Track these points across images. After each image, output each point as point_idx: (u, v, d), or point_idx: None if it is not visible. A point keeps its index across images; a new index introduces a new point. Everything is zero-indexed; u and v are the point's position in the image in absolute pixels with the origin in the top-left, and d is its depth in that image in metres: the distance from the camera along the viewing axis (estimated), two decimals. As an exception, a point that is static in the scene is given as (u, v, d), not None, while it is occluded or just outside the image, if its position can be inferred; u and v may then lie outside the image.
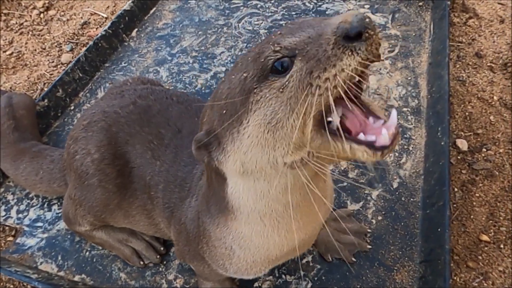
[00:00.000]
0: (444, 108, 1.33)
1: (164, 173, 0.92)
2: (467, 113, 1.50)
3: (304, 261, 1.08)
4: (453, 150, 1.40)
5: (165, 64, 1.63)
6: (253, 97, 0.61)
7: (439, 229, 1.07)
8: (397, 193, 1.22)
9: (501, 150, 1.39)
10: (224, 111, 0.64)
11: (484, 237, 1.19)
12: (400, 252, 1.10)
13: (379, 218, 1.17)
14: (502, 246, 1.17)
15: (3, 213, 1.18)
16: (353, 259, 1.08)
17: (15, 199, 1.21)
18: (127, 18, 1.75)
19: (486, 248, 1.17)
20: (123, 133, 0.94)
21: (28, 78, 1.69)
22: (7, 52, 1.83)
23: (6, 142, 1.19)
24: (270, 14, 1.83)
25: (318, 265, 1.07)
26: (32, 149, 1.18)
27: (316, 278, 1.05)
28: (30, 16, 2.01)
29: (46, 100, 1.40)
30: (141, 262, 1.06)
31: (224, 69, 1.60)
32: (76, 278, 1.06)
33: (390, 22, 1.78)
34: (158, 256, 1.06)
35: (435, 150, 1.27)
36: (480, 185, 1.31)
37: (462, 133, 1.44)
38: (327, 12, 1.82)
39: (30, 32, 1.93)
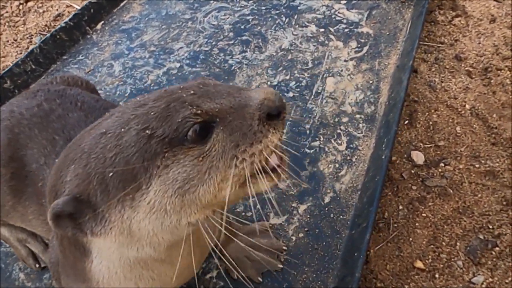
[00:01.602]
0: (394, 118, 1.20)
1: None
2: (431, 122, 1.35)
3: (207, 276, 1.01)
4: (407, 163, 1.27)
5: (121, 59, 1.60)
6: (161, 161, 0.55)
7: (356, 254, 0.97)
8: (326, 208, 1.12)
9: (461, 166, 1.24)
10: (110, 174, 0.55)
11: (419, 264, 1.07)
12: (314, 275, 1.00)
13: (301, 235, 1.07)
14: (436, 275, 1.04)
15: None
16: (260, 279, 0.99)
17: None
18: (92, 10, 1.73)
19: (417, 276, 1.04)
20: (23, 135, 0.91)
21: (-6, 69, 1.72)
22: (-19, 42, 1.87)
23: None
24: (239, 8, 1.74)
25: (221, 282, 1.00)
26: None
27: (216, 296, 0.98)
28: (11, 7, 2.04)
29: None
30: (37, 265, 1.03)
31: (178, 65, 1.54)
32: (-23, 274, 1.05)
33: (365, 19, 1.64)
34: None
35: (376, 164, 1.15)
36: (430, 204, 1.18)
37: (421, 144, 1.31)
38: (299, 8, 1.71)
39: (7, 23, 1.95)
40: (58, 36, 1.62)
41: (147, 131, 0.55)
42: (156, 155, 0.55)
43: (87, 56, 1.63)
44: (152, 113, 0.56)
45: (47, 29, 1.88)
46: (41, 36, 1.84)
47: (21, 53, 1.78)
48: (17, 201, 0.93)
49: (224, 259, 1.01)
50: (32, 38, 1.85)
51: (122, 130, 0.57)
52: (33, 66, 1.53)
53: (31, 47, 1.59)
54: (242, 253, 1.00)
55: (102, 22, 1.77)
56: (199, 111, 0.56)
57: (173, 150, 0.56)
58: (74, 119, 0.92)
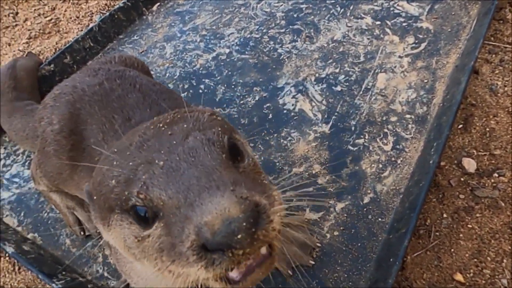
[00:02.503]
0: (448, 121, 1.13)
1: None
2: (488, 129, 1.26)
3: (238, 263, 1.02)
4: (456, 170, 1.20)
5: (173, 41, 1.63)
6: (115, 215, 0.59)
7: (391, 259, 0.94)
8: (365, 209, 1.09)
9: (517, 179, 1.16)
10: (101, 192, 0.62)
11: (459, 277, 1.01)
12: (346, 275, 0.99)
13: (336, 233, 1.06)
14: (477, 292, 0.99)
15: (-8, 165, 1.30)
16: (290, 272, 0.99)
17: (4, 154, 1.32)
18: (150, -9, 1.77)
19: (455, 290, 1.00)
20: (84, 111, 0.97)
21: (56, 44, 1.81)
22: (47, 18, 1.98)
23: (5, 100, 1.29)
24: (293, -4, 1.71)
25: (252, 271, 1.01)
26: (26, 107, 1.27)
27: (245, 283, 0.99)
28: (76, -16, 2.13)
29: (52, 65, 1.48)
30: (82, 233, 1.10)
31: (228, 51, 1.55)
32: (29, 236, 1.13)
33: (426, 13, 1.55)
34: (98, 231, 1.09)
35: (422, 169, 1.10)
36: (478, 215, 1.11)
37: (474, 151, 1.23)
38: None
39: (72, 1, 2.05)
40: (116, 16, 1.68)
41: (114, 181, 0.58)
42: (112, 209, 0.59)
43: (142, 36, 1.68)
44: (126, 165, 0.58)
45: (107, 8, 1.95)
46: (101, 14, 1.91)
47: (81, 30, 1.87)
48: (74, 171, 0.99)
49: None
50: (92, 16, 1.93)
51: (114, 163, 0.60)
52: (92, 44, 1.60)
53: (91, 25, 1.66)
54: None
55: (158, 4, 1.81)
56: (142, 196, 0.54)
57: (122, 215, 0.58)
58: (132, 100, 0.96)
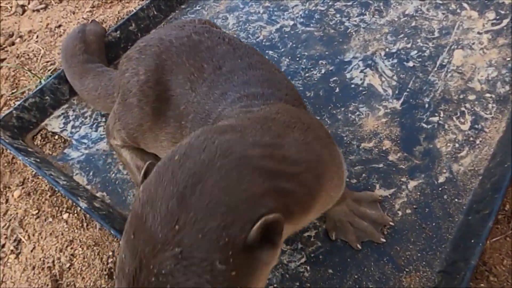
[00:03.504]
0: (537, 101, 1.05)
1: (195, 104, 0.93)
2: None
3: (305, 234, 1.01)
4: (540, 156, 1.11)
5: (235, 12, 1.60)
6: None
7: (472, 240, 0.89)
8: (440, 189, 1.04)
9: None
10: None
11: (542, 267, 0.95)
12: (419, 255, 0.95)
13: (408, 211, 1.01)
14: None
15: (62, 126, 1.34)
16: (359, 246, 0.96)
17: (73, 116, 1.36)
18: (212, -39, 1.75)
19: (538, 280, 0.93)
20: (170, 62, 0.98)
21: (118, 13, 1.84)
22: (110, -13, 2.01)
23: (76, 62, 1.33)
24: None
25: (319, 243, 0.99)
26: (97, 69, 1.30)
27: (312, 255, 0.97)
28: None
29: (118, 32, 1.50)
30: None
31: (292, 23, 1.51)
32: (98, 194, 1.16)
33: (509, -12, 1.44)
34: None
35: (504, 149, 1.03)
36: None
37: (561, 137, 1.13)
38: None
39: (135, -30, 2.07)
40: (179, -15, 1.67)
41: None
42: None
43: (204, 7, 1.66)
44: None
45: (167, -22, 1.95)
46: (162, -15, 1.91)
47: (142, 0, 1.88)
48: (155, 122, 1.01)
49: (326, 220, 1.00)
50: (153, -14, 1.94)
51: None
52: (155, 12, 1.61)
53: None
54: (346, 217, 0.97)
55: (220, -26, 1.78)
56: None
57: None
58: (222, 51, 0.97)
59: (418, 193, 1.03)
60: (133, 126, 1.05)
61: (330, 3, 1.54)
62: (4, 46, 1.78)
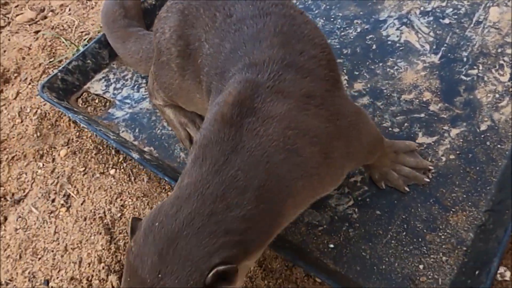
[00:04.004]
0: None
1: (209, 57, 0.91)
2: None
3: (351, 179, 1.04)
4: None
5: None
6: None
7: (519, 179, 0.91)
8: (482, 136, 1.06)
9: None
10: None
11: None
12: (465, 196, 0.98)
13: (451, 157, 1.04)
14: None
15: (104, 88, 1.38)
16: (407, 189, 0.99)
17: (114, 78, 1.40)
18: None
19: None
20: (191, 16, 0.97)
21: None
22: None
23: (118, 26, 1.36)
24: None
25: (366, 187, 1.02)
26: (138, 32, 1.33)
27: (360, 198, 1.01)
28: None
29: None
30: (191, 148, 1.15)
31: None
32: (146, 149, 1.20)
33: None
34: None
35: (548, 96, 1.05)
36: None
37: None
38: None
39: None
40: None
41: None
42: None
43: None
44: None
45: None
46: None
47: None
48: (182, 79, 1.02)
49: (370, 173, 1.03)
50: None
51: None
52: (188, -20, 1.63)
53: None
54: (389, 167, 1.00)
55: None
56: None
57: None
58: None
59: (461, 140, 1.06)
60: (166, 85, 1.06)
61: (361, -33, 1.55)
62: (37, 20, 1.82)
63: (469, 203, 0.96)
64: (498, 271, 0.86)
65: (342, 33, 1.35)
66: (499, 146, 1.03)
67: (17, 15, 1.85)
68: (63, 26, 1.72)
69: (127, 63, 1.38)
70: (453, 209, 0.96)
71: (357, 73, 1.23)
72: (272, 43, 0.81)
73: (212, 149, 0.70)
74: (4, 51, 1.66)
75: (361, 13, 1.39)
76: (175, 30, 0.98)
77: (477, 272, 0.82)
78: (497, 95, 1.12)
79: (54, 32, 1.64)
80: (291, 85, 0.76)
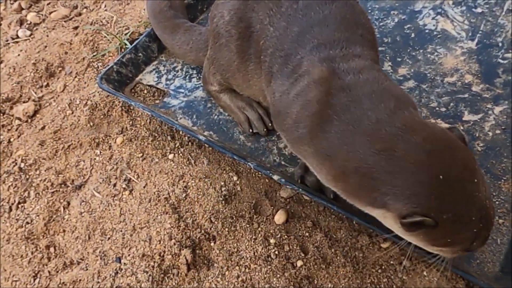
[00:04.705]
0: None
1: (274, 40, 0.99)
2: None
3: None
4: None
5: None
6: None
7: None
8: (525, 112, 1.15)
9: None
10: None
11: None
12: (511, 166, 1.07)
13: (497, 131, 1.13)
14: None
15: (156, 79, 1.45)
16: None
17: (165, 70, 1.47)
18: None
19: None
20: (251, 0, 1.04)
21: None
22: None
23: (164, 17, 1.42)
24: None
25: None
26: (185, 24, 1.40)
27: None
28: None
29: (196, -6, 1.60)
30: (250, 130, 1.21)
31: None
32: (205, 133, 1.27)
33: None
34: (265, 129, 1.21)
35: None
36: None
37: None
38: None
39: None
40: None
41: None
42: None
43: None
44: None
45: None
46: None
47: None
48: (241, 61, 1.09)
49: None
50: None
51: None
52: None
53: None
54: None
55: None
56: None
57: None
58: None
59: (505, 117, 1.15)
60: (224, 67, 1.13)
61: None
62: (71, 16, 1.87)
63: (517, 172, 1.05)
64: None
65: (381, 23, 1.43)
66: (540, 120, 1.13)
67: (51, 12, 1.91)
68: (101, 21, 1.77)
69: (175, 54, 1.45)
70: (504, 178, 1.05)
71: (399, 59, 1.31)
72: (339, 28, 0.93)
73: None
74: (45, 47, 1.71)
75: (396, 4, 1.48)
76: (236, 13, 1.05)
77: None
78: (537, 75, 1.22)
79: (94, 27, 1.69)
80: (360, 53, 0.91)
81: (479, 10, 1.40)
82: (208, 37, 1.23)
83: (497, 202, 1.01)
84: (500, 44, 1.30)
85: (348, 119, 0.80)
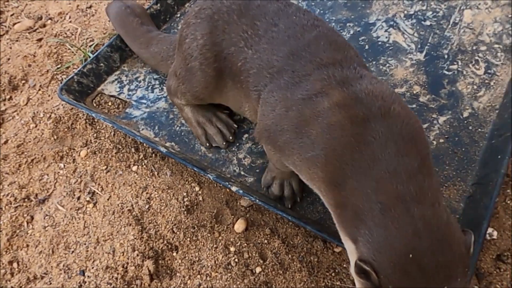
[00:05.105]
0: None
1: (257, 61, 1.00)
2: None
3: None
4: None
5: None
6: None
7: (499, 156, 1.09)
8: (465, 121, 1.24)
9: None
10: None
11: (552, 177, 1.16)
12: (454, 173, 1.14)
13: (441, 140, 1.21)
14: None
15: (118, 89, 1.47)
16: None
17: (127, 80, 1.49)
18: None
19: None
20: (222, 22, 1.05)
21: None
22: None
23: (139, 33, 1.42)
24: None
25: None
26: (159, 36, 1.40)
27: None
28: None
29: (158, 5, 1.62)
30: (207, 144, 1.25)
31: (316, -7, 1.67)
32: (167, 144, 1.30)
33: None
34: (224, 143, 1.25)
35: (516, 86, 1.24)
36: None
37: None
38: None
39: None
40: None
41: None
42: None
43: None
44: None
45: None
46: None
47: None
48: (220, 79, 1.11)
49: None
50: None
51: None
52: (188, -13, 1.74)
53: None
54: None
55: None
56: None
57: None
58: (273, 8, 1.02)
59: (448, 126, 1.23)
60: (198, 88, 1.14)
61: (348, -26, 1.71)
62: (35, 28, 1.86)
63: (458, 179, 1.13)
64: (487, 232, 1.03)
65: (337, 35, 1.50)
66: (479, 129, 1.21)
67: (15, 23, 1.88)
68: (66, 33, 1.77)
69: (151, 65, 1.46)
70: (446, 185, 1.12)
71: (354, 70, 1.38)
72: (334, 48, 0.95)
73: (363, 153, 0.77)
74: (8, 59, 1.70)
75: (352, 16, 1.55)
76: (209, 37, 1.06)
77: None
78: (475, 87, 1.31)
79: (58, 39, 1.69)
80: (366, 73, 0.92)
81: (428, 23, 1.48)
82: (176, 48, 1.23)
83: (438, 207, 1.09)
84: (446, 56, 1.38)
85: (369, 155, 0.76)
